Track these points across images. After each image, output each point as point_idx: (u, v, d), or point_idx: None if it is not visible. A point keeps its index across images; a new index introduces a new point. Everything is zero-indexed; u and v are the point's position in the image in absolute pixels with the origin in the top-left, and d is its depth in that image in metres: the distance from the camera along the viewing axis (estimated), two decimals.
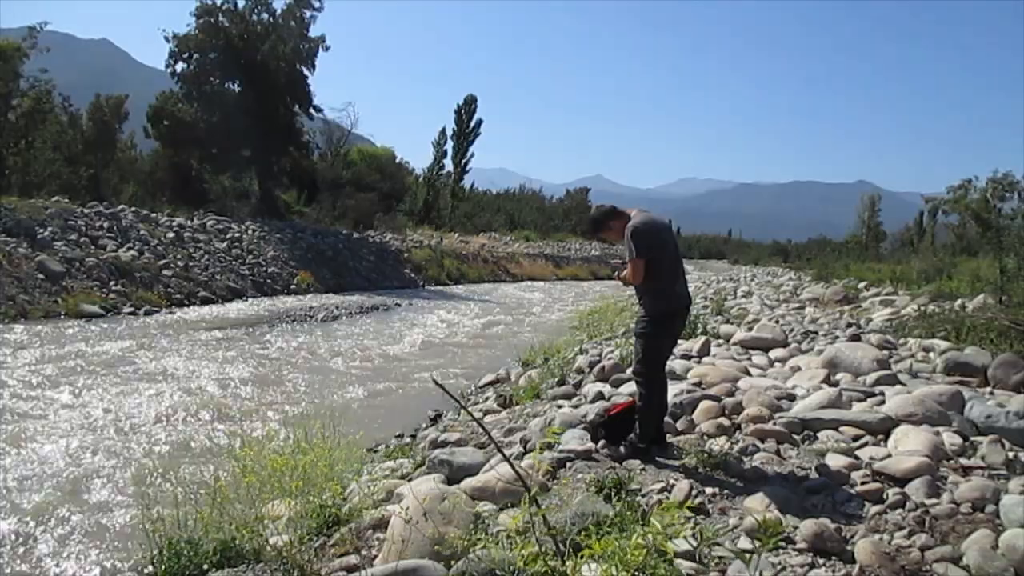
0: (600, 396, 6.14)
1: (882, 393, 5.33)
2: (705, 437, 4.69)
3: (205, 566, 3.55)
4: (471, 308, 20.72)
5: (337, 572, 3.37)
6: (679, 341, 8.18)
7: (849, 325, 10.08)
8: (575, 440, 4.65)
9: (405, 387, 9.42)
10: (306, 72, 32.15)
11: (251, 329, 14.25)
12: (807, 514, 3.48)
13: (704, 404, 5.20)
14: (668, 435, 4.65)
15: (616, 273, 4.69)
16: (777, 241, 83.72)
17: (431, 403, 8.07)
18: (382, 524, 3.70)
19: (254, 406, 8.04)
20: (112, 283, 16.77)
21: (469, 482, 4.10)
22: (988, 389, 5.79)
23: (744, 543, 3.19)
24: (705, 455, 4.18)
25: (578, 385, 7.19)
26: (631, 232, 4.31)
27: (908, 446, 4.14)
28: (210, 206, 28.59)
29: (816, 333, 9.38)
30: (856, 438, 4.46)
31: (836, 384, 5.78)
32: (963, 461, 4.05)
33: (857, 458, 4.12)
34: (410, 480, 4.65)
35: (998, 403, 4.98)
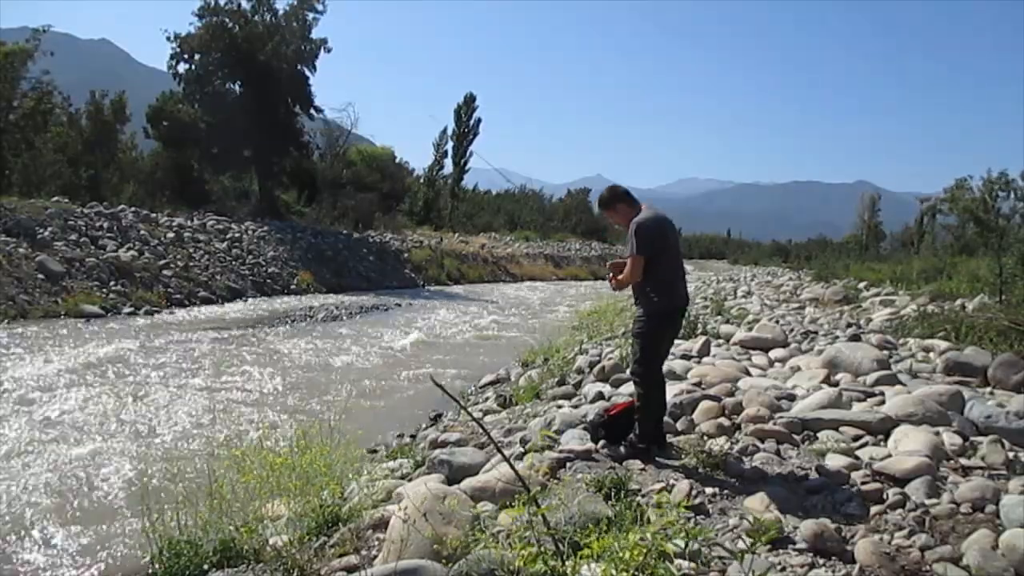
0: (600, 396, 6.14)
1: (882, 393, 5.33)
2: (705, 437, 4.68)
3: (205, 566, 3.55)
4: (471, 308, 20.72)
5: (337, 572, 3.37)
6: (679, 341, 8.20)
7: (849, 325, 10.09)
8: (575, 440, 4.65)
9: (405, 387, 9.42)
10: (307, 73, 32.21)
11: (251, 329, 14.25)
12: (807, 514, 3.47)
13: (704, 404, 5.19)
14: (668, 435, 4.65)
15: (610, 275, 4.61)
16: (777, 241, 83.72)
17: (431, 403, 8.06)
18: (382, 524, 3.69)
19: (254, 406, 8.03)
20: (112, 283, 16.77)
21: (469, 482, 4.10)
22: (988, 389, 5.80)
23: (744, 543, 3.19)
24: (705, 455, 4.17)
25: (578, 385, 7.19)
26: (636, 227, 4.28)
27: (908, 446, 4.14)
28: (210, 206, 28.60)
29: (816, 333, 9.38)
30: (856, 438, 4.46)
31: (836, 384, 5.78)
32: (963, 461, 4.05)
33: (857, 458, 4.12)
34: (410, 480, 4.64)
35: (998, 403, 4.98)
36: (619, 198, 4.57)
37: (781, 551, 3.16)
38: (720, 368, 6.59)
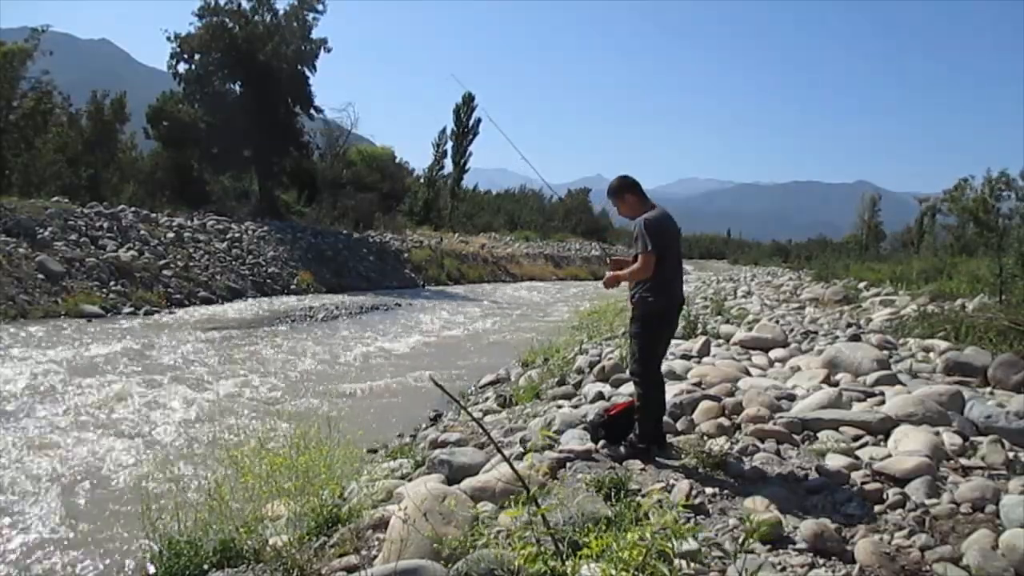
0: (600, 396, 6.14)
1: (882, 393, 5.33)
2: (705, 437, 4.68)
3: (205, 566, 3.55)
4: (471, 308, 20.72)
5: (337, 572, 3.37)
6: (679, 341, 8.20)
7: (849, 325, 10.08)
8: (575, 440, 4.65)
9: (405, 387, 9.42)
10: (307, 73, 32.22)
11: (251, 329, 14.25)
12: (807, 514, 3.47)
13: (704, 404, 5.19)
14: (668, 435, 4.65)
15: (612, 275, 4.55)
16: (777, 241, 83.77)
17: (431, 403, 8.06)
18: (382, 524, 3.69)
19: (254, 406, 8.03)
20: (112, 283, 16.77)
21: (469, 482, 4.10)
22: (988, 389, 5.80)
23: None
24: (705, 455, 4.17)
25: (578, 385, 7.19)
26: (644, 225, 4.27)
27: (908, 446, 4.14)
28: (210, 206, 28.60)
29: (816, 333, 9.38)
30: (856, 438, 4.46)
31: (836, 384, 5.77)
32: (963, 461, 4.05)
33: (857, 458, 4.12)
34: (410, 480, 4.64)
35: (998, 403, 4.98)
36: (628, 188, 4.57)
37: (781, 551, 3.15)
38: (720, 368, 6.59)
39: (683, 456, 4.28)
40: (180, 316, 15.97)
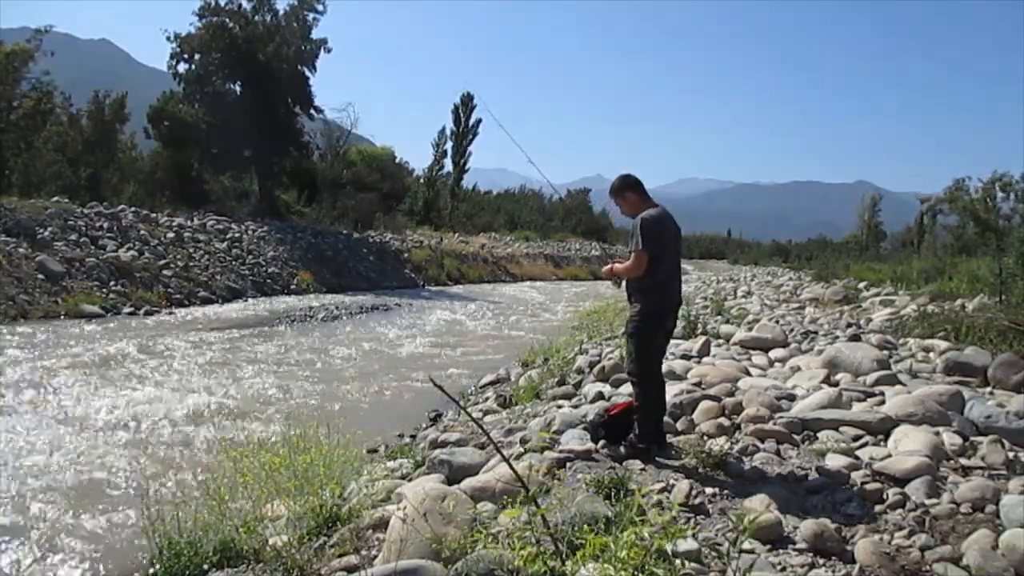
0: (600, 396, 6.14)
1: (882, 393, 5.33)
2: (705, 437, 4.68)
3: (205, 566, 3.55)
4: (471, 308, 20.72)
5: (337, 572, 3.37)
6: (679, 341, 8.20)
7: (849, 325, 10.09)
8: (575, 440, 4.65)
9: (405, 387, 9.42)
10: (307, 73, 32.23)
11: (251, 329, 14.25)
12: (807, 514, 3.47)
13: (704, 404, 5.19)
14: (668, 435, 4.64)
15: (609, 267, 4.57)
16: (777, 241, 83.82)
17: (431, 403, 8.06)
18: (382, 524, 3.69)
19: (254, 406, 8.03)
20: (112, 283, 16.77)
21: (469, 482, 4.10)
22: (988, 389, 5.80)
23: (744, 543, 3.18)
24: (705, 455, 4.17)
25: (578, 385, 7.19)
26: (641, 223, 4.28)
27: (908, 446, 4.14)
28: (210, 206, 28.60)
29: (816, 333, 9.38)
30: (856, 438, 4.46)
31: (836, 384, 5.77)
32: (963, 461, 4.05)
33: (857, 458, 4.12)
34: (410, 480, 4.64)
35: (998, 403, 4.98)
36: (630, 187, 4.58)
37: (781, 551, 3.15)
38: (720, 368, 6.59)
39: (683, 456, 4.27)
40: (180, 316, 15.97)
